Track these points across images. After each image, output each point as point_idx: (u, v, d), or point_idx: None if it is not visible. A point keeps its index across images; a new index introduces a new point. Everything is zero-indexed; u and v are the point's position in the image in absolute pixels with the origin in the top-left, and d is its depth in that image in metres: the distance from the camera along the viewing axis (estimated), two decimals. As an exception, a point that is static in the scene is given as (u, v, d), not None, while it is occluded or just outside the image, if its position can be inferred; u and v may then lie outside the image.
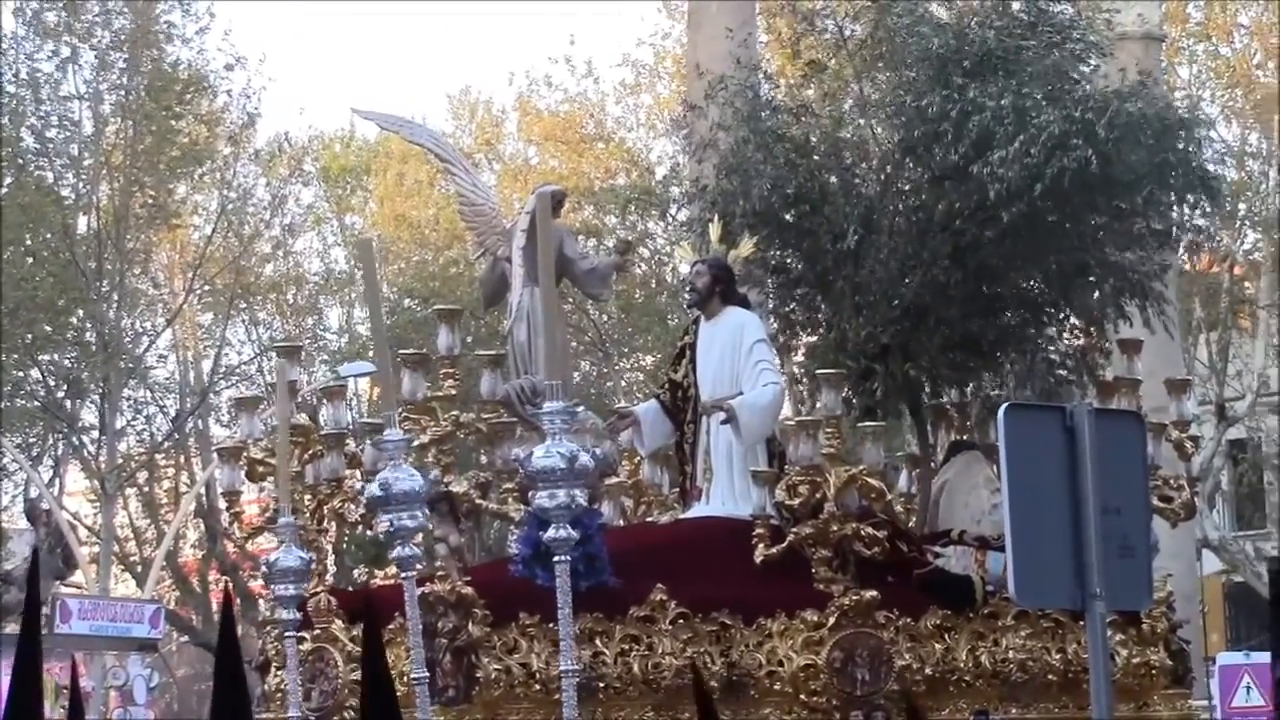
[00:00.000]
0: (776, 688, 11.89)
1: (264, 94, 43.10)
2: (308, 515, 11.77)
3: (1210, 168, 14.20)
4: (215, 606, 42.35)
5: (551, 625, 11.13)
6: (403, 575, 7.73)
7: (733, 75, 14.85)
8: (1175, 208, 13.96)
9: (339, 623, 11.63)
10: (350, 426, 13.46)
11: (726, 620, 11.87)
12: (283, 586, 9.34)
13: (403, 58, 75.53)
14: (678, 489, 13.39)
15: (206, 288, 38.66)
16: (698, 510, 12.89)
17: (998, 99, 13.21)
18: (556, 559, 7.23)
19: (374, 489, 7.63)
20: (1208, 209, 14.36)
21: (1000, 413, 8.34)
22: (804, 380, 14.40)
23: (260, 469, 11.99)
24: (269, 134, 40.06)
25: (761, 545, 12.10)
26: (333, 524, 12.31)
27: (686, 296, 13.46)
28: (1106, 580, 8.22)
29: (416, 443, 11.83)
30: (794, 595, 12.00)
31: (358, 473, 11.97)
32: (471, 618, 11.12)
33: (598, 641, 11.51)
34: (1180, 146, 13.61)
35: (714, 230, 13.25)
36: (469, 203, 13.33)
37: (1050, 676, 12.60)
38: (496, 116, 42.41)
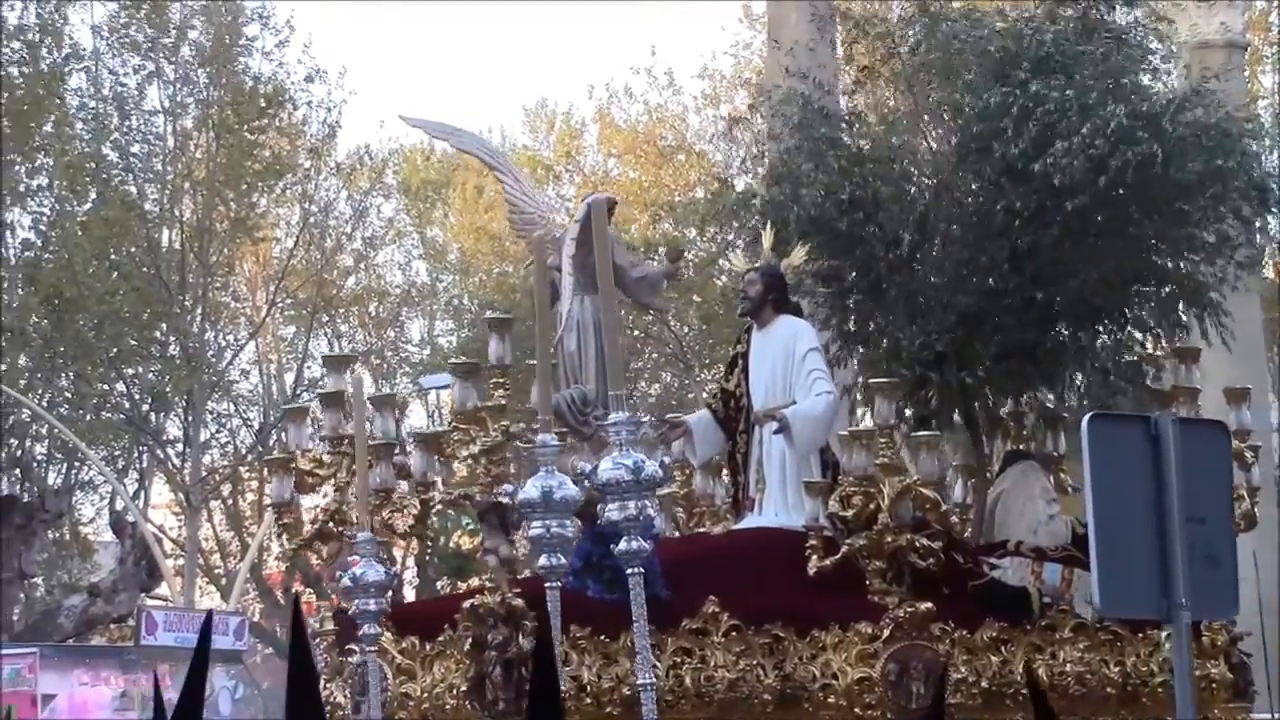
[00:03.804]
0: (831, 700, 11.71)
1: (344, 107, 43.36)
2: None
3: (1270, 178, 13.97)
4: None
5: (602, 638, 11.07)
6: (548, 585, 7.60)
7: (779, 85, 14.73)
8: (1231, 217, 13.71)
9: (388, 635, 11.58)
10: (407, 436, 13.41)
11: (780, 632, 11.69)
12: (364, 600, 9.40)
13: (483, 71, 75.67)
14: (730, 499, 13.30)
15: (289, 301, 38.90)
16: (750, 521, 12.77)
17: (1061, 91, 13.00)
18: (630, 571, 7.14)
19: (531, 493, 7.38)
20: (1264, 220, 14.14)
21: (1084, 422, 8.28)
22: (858, 389, 14.21)
23: (309, 480, 11.96)
24: (350, 148, 40.33)
25: (815, 556, 11.93)
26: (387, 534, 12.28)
27: (740, 305, 13.37)
28: (1192, 590, 8.16)
29: (466, 452, 11.81)
30: (848, 607, 11.82)
31: (405, 483, 11.95)
32: (522, 630, 10.97)
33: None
34: (1242, 155, 13.40)
35: (766, 238, 13.17)
36: (519, 210, 13.30)
37: (1108, 689, 12.43)
38: (575, 129, 42.44)
